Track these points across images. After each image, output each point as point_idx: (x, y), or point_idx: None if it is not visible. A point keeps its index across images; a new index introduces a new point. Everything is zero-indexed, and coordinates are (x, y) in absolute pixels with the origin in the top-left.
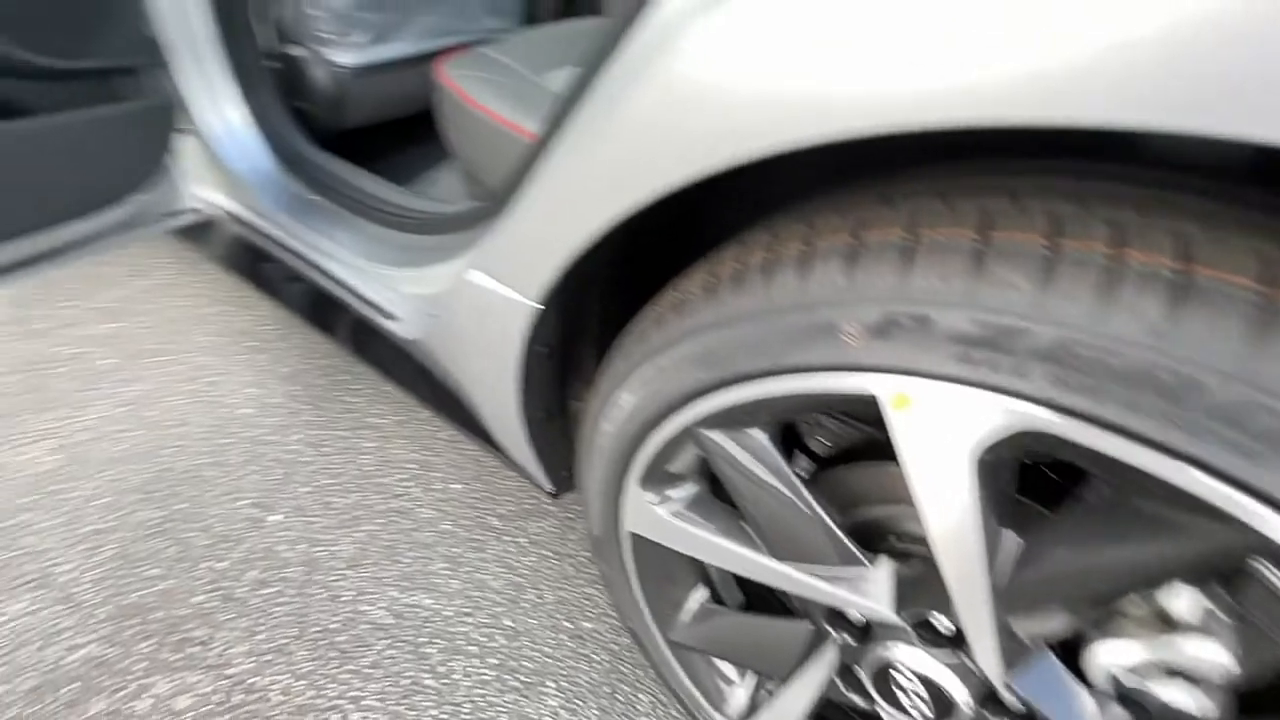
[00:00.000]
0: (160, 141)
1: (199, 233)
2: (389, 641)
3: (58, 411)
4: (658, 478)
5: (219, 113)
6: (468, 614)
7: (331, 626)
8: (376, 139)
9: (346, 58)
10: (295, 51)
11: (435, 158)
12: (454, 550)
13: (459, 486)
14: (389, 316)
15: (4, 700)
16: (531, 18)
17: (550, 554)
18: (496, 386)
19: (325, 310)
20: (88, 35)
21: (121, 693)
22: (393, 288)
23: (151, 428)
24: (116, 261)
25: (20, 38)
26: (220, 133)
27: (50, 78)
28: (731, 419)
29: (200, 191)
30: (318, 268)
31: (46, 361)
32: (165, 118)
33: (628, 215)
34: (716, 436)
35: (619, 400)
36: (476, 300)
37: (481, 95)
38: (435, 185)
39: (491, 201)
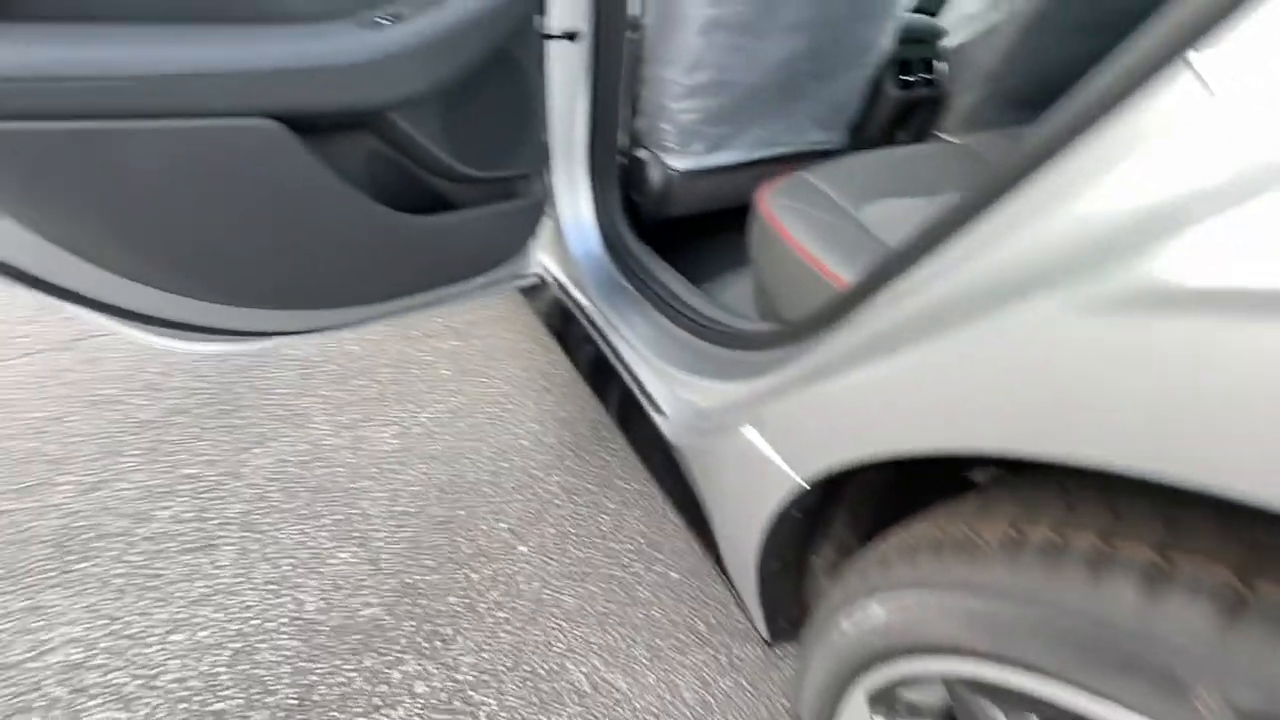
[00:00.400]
0: (531, 228)
1: (532, 290)
2: (581, 710)
3: (406, 406)
4: (891, 701)
5: (574, 204)
6: (654, 715)
7: (539, 671)
8: (689, 228)
9: (682, 163)
10: (640, 154)
11: (735, 259)
12: (658, 642)
13: (677, 577)
14: (658, 410)
15: (318, 628)
16: (859, 133)
17: (748, 685)
18: (740, 527)
19: (606, 378)
20: (506, 152)
21: (385, 658)
22: (668, 385)
23: (458, 437)
24: None
25: (460, 155)
26: (569, 219)
27: (473, 182)
28: (1002, 697)
29: (543, 260)
30: (609, 343)
31: (410, 362)
32: (539, 211)
33: (978, 453)
34: (978, 697)
35: (869, 608)
36: (744, 451)
37: (794, 228)
38: (728, 289)
39: (782, 336)
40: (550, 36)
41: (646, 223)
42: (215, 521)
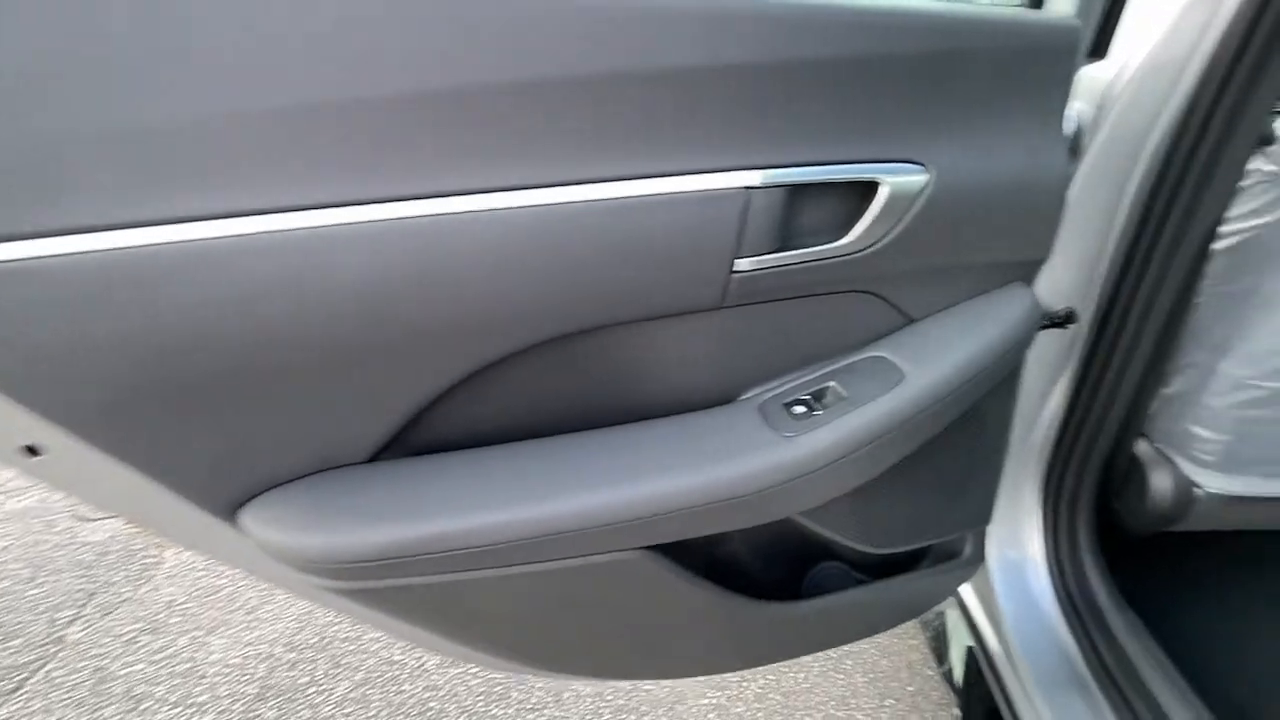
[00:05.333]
0: (950, 590)
1: (936, 639)
2: None
3: None
4: None
5: (1014, 535)
6: None
7: None
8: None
9: (1218, 483)
10: (1142, 452)
11: None
12: None
13: None
14: None
15: None
16: None
17: None
18: None
19: None
20: (936, 520)
21: None
22: None
23: None
24: None
25: (869, 537)
26: (1004, 556)
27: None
28: None
29: (956, 610)
30: None
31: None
32: (969, 570)
33: None
34: None
35: None
36: None
37: None
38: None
39: None
40: (1045, 326)
41: (1119, 536)
42: None
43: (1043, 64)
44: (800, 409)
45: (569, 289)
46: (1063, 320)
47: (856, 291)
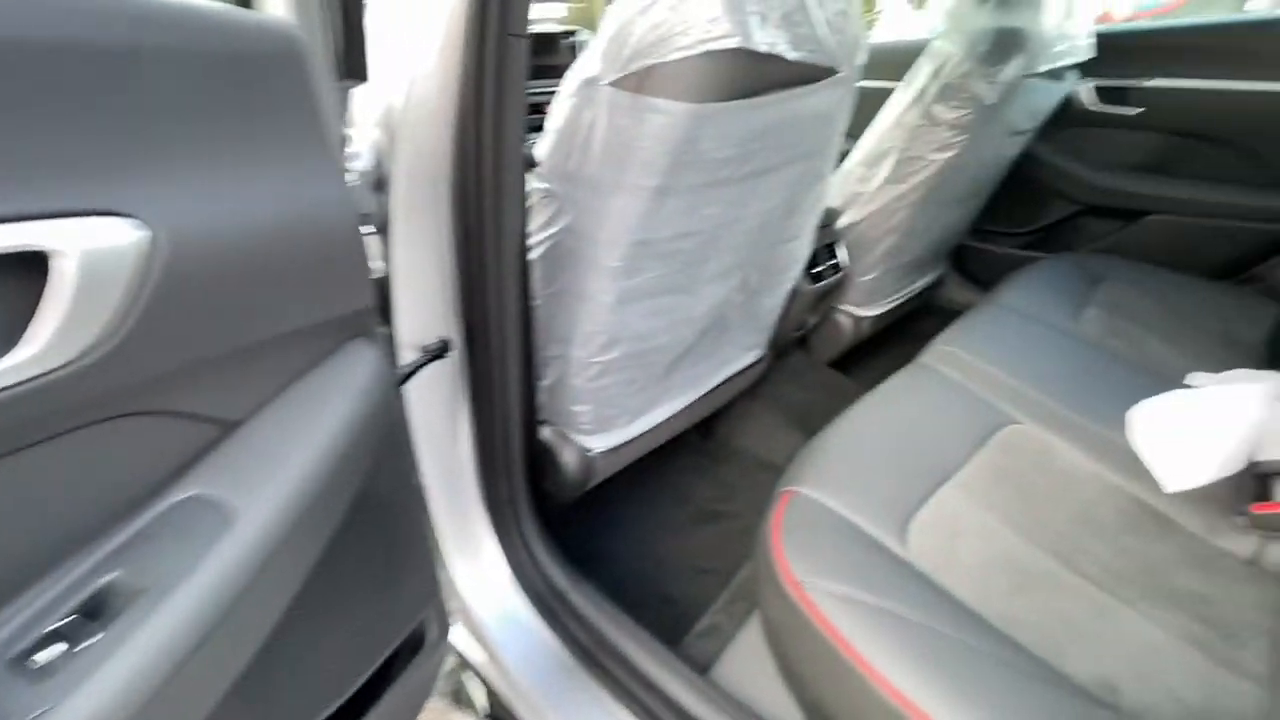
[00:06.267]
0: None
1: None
2: None
3: None
4: None
5: (474, 557)
6: None
7: None
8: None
9: (602, 443)
10: (546, 437)
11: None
12: None
13: None
14: None
15: None
16: (775, 337)
17: None
18: None
19: None
20: (379, 624)
21: None
22: None
23: None
24: None
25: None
26: (471, 577)
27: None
28: None
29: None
30: None
31: None
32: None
33: None
34: None
35: None
36: None
37: (850, 629)
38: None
39: None
40: (415, 370)
41: (554, 514)
42: None
43: (272, 75)
44: (55, 649)
45: None
46: (440, 351)
47: (106, 420)
